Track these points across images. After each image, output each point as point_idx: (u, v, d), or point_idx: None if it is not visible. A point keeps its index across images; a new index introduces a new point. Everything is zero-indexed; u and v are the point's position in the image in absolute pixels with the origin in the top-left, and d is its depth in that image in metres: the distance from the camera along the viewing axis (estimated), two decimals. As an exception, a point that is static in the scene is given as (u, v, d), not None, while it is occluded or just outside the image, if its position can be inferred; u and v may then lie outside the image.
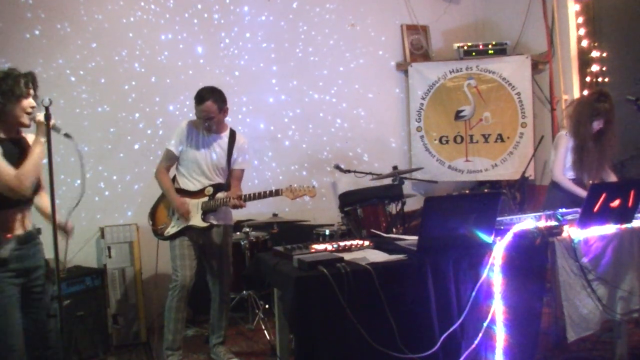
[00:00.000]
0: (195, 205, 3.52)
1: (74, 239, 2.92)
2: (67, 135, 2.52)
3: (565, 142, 3.86)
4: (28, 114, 2.46)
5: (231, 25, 4.96)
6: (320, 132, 5.30)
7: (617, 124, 3.84)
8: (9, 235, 2.43)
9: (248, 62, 5.02)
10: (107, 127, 4.51)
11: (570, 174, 3.88)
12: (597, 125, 3.75)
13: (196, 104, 3.46)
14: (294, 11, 5.19)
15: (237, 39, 4.98)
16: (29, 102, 2.46)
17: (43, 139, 2.46)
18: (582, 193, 3.66)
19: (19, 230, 2.48)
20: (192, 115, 3.61)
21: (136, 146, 4.60)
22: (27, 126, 2.44)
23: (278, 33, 5.12)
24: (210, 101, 3.45)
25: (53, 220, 2.42)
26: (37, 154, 2.44)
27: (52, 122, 2.46)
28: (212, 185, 3.56)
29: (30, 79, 2.48)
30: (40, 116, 2.45)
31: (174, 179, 3.63)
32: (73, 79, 4.39)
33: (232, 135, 3.65)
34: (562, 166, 3.87)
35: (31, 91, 2.47)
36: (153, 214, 3.67)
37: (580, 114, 3.79)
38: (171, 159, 3.60)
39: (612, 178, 3.89)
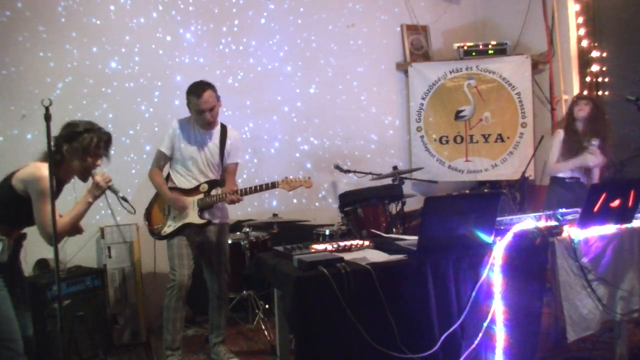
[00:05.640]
0: (191, 203, 3.52)
1: (73, 238, 2.93)
2: (124, 199, 2.60)
3: (558, 136, 4.18)
4: (88, 172, 2.47)
5: (233, 20, 4.91)
6: (320, 132, 5.30)
7: (614, 123, 4.12)
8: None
9: (253, 61, 4.99)
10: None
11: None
12: (577, 110, 4.04)
13: (195, 97, 3.41)
14: (299, 5, 5.18)
15: (239, 36, 4.93)
16: (94, 162, 2.48)
17: (91, 200, 2.48)
18: (578, 162, 3.98)
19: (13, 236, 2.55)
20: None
21: (135, 148, 4.57)
22: (84, 181, 2.44)
23: (281, 33, 5.11)
24: (211, 90, 3.46)
25: (53, 221, 2.42)
26: (79, 215, 2.48)
27: (110, 183, 2.50)
28: (207, 182, 3.56)
29: (108, 140, 2.48)
30: (99, 177, 2.47)
31: (168, 178, 3.62)
32: (55, 79, 4.29)
33: (224, 129, 3.65)
34: (555, 157, 4.17)
35: (102, 152, 2.48)
36: (148, 214, 3.67)
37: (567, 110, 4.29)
38: (163, 160, 3.60)
39: (597, 158, 4.00)
